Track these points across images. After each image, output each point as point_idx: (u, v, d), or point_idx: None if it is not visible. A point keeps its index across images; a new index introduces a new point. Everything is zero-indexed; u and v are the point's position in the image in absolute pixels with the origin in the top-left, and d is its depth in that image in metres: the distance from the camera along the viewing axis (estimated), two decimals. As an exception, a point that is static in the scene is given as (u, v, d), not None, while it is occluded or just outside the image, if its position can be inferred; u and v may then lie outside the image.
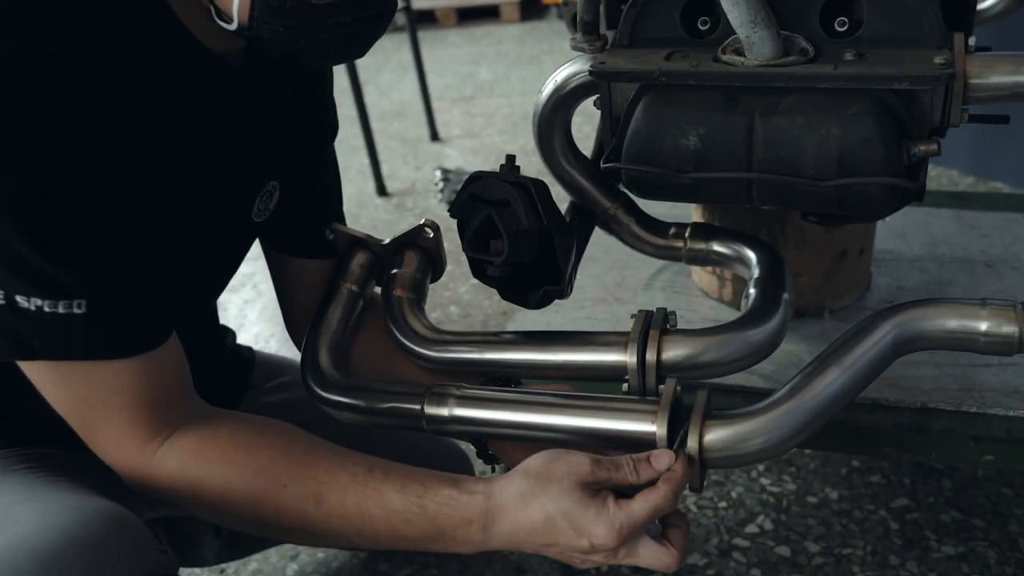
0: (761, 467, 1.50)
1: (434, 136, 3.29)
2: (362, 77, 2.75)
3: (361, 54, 0.84)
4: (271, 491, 0.83)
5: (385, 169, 2.92)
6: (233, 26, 0.77)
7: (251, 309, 2.30)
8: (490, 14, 4.95)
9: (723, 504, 1.44)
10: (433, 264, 1.05)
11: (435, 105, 3.39)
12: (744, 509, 1.42)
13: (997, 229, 1.47)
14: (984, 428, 1.04)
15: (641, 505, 0.76)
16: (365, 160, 2.85)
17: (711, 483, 1.48)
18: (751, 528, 1.39)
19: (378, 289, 1.07)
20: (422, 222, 1.02)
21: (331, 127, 1.09)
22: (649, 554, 0.78)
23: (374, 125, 2.90)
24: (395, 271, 1.02)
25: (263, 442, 0.85)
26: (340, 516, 0.82)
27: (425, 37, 4.56)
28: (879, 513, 1.39)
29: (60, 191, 0.72)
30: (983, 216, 1.52)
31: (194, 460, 0.83)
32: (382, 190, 2.85)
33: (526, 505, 0.78)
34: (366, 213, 2.74)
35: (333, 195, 1.11)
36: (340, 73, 3.39)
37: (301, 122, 1.01)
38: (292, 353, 1.92)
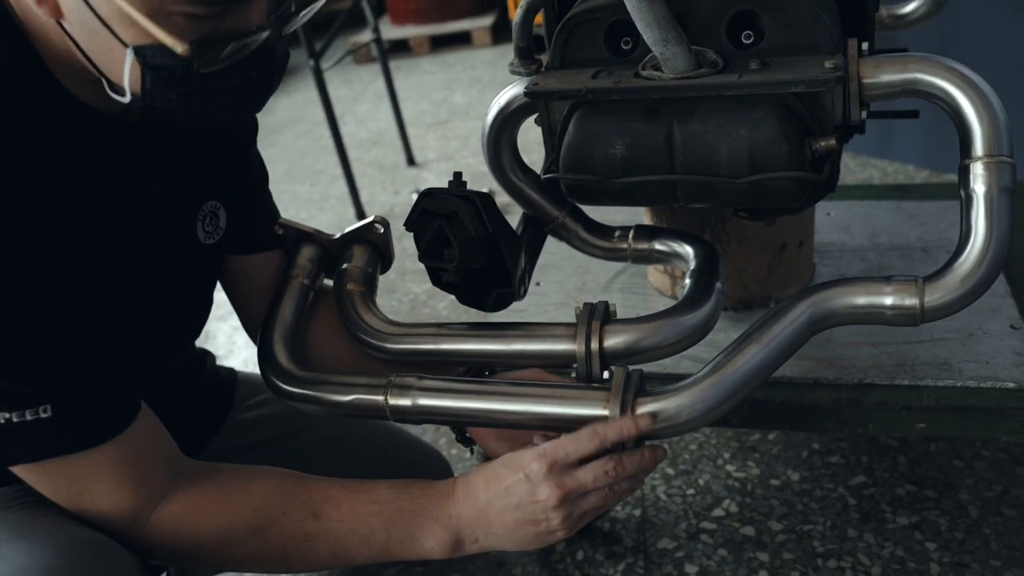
0: (727, 455, 1.58)
1: (411, 161, 3.39)
2: (339, 109, 2.85)
3: (258, 110, 0.87)
4: (272, 520, 0.90)
5: (364, 195, 3.01)
6: (127, 99, 0.78)
7: (240, 335, 2.37)
8: (463, 40, 5.06)
9: (691, 491, 1.52)
10: (382, 257, 1.10)
11: (411, 131, 3.48)
12: (711, 494, 1.50)
13: (934, 217, 1.56)
14: (915, 399, 1.12)
15: (567, 439, 0.86)
16: (344, 188, 2.94)
17: (679, 472, 1.56)
18: (717, 512, 1.46)
19: (329, 282, 1.11)
20: (372, 217, 1.07)
21: (250, 130, 1.10)
22: (587, 471, 0.86)
23: (352, 154, 2.99)
24: (345, 265, 1.06)
25: (254, 484, 0.92)
26: (338, 522, 0.90)
27: (400, 66, 4.67)
28: (838, 491, 1.47)
29: (7, 309, 0.75)
30: (921, 205, 1.61)
31: (190, 519, 0.89)
32: (362, 215, 2.94)
33: (488, 485, 0.89)
34: (348, 239, 2.83)
35: (263, 190, 1.13)
36: (316, 107, 3.49)
37: (218, 139, 1.02)
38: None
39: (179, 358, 1.09)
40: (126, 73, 0.76)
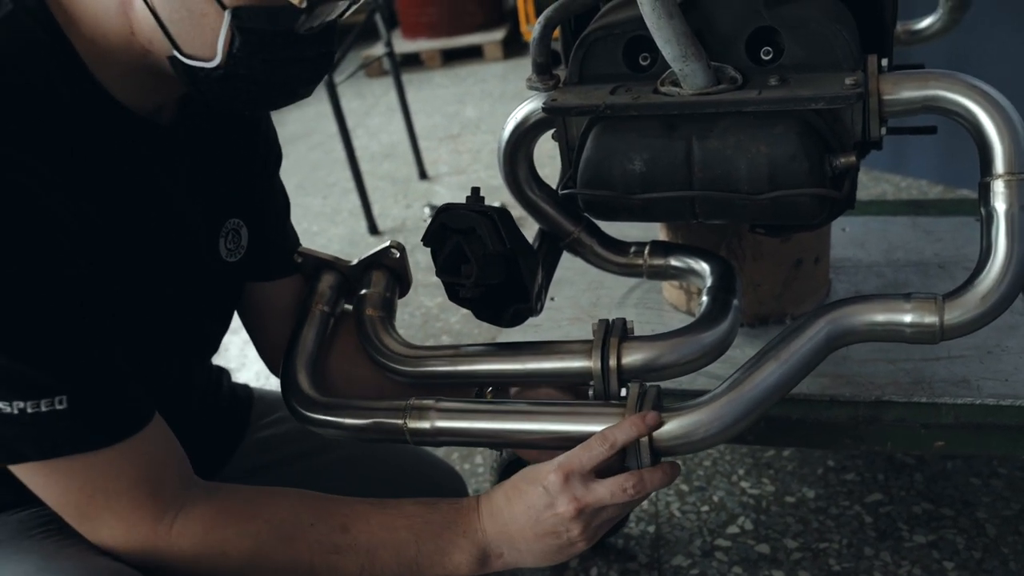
0: (741, 471, 1.58)
1: (423, 175, 3.40)
2: (351, 122, 2.86)
3: (313, 89, 0.89)
4: (300, 532, 0.88)
5: (376, 208, 3.02)
6: (214, 63, 0.79)
7: (251, 349, 2.37)
8: (474, 54, 5.08)
9: (705, 508, 1.51)
10: (400, 282, 1.11)
11: (423, 144, 3.49)
12: (725, 511, 1.49)
13: (950, 233, 1.56)
14: (934, 416, 1.11)
15: (580, 449, 0.86)
16: (356, 201, 2.95)
17: (693, 488, 1.56)
18: (732, 529, 1.46)
19: (349, 307, 1.12)
20: (388, 243, 1.08)
21: (275, 155, 1.11)
22: (605, 487, 0.85)
23: (364, 167, 3.00)
24: (364, 291, 1.07)
25: (279, 498, 0.91)
26: (368, 534, 0.89)
27: (412, 79, 4.69)
28: (854, 508, 1.46)
29: (27, 294, 0.74)
30: (937, 221, 1.60)
31: (218, 524, 0.87)
32: (373, 229, 2.95)
33: (509, 501, 0.89)
34: (358, 252, 2.80)
35: (285, 218, 1.14)
36: (328, 120, 3.49)
37: (246, 156, 1.03)
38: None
39: (198, 373, 1.09)
40: (222, 36, 0.77)
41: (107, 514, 0.83)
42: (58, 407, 0.76)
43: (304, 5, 0.76)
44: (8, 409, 0.75)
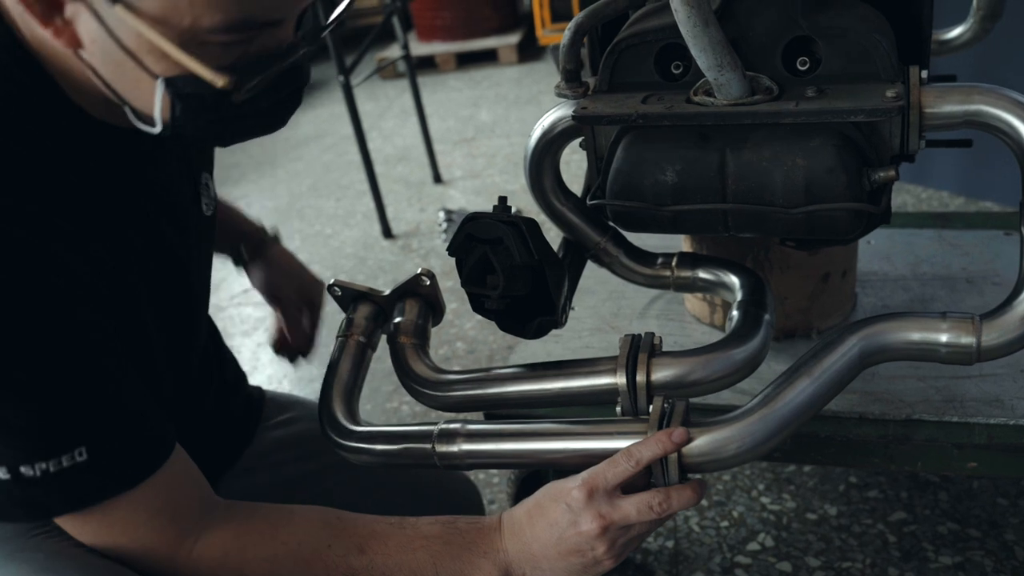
0: (761, 486, 1.55)
1: (437, 178, 3.38)
2: (365, 124, 2.84)
3: (282, 126, 0.85)
4: (317, 553, 0.87)
5: (390, 212, 3.00)
6: (156, 129, 0.77)
7: (264, 352, 2.36)
8: (489, 57, 5.07)
9: (725, 523, 1.48)
10: (433, 309, 1.10)
11: (437, 148, 3.48)
12: (745, 527, 1.47)
13: (978, 247, 1.53)
14: (967, 436, 1.08)
15: (605, 465, 0.84)
16: (371, 204, 2.93)
17: (712, 503, 1.53)
18: (752, 545, 1.43)
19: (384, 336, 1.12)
20: (419, 271, 1.08)
21: None
22: (631, 503, 0.83)
23: (378, 169, 2.99)
24: (398, 319, 1.07)
25: (297, 518, 0.90)
26: (384, 556, 0.87)
27: (426, 82, 4.67)
28: (877, 527, 1.43)
29: (39, 350, 0.72)
30: (964, 235, 1.57)
31: (235, 551, 0.86)
32: (388, 232, 2.93)
33: (532, 520, 0.86)
34: (373, 255, 2.81)
35: None
36: (341, 121, 3.49)
37: None
38: (303, 393, 1.98)
39: (195, 343, 1.05)
40: (157, 104, 0.74)
41: (128, 542, 0.83)
42: (79, 459, 0.76)
43: (229, 86, 0.72)
44: (31, 472, 0.75)
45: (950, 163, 2.52)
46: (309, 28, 0.78)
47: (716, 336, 1.34)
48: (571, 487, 0.84)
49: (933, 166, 2.58)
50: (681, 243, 1.35)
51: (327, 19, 0.85)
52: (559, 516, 0.84)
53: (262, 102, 0.77)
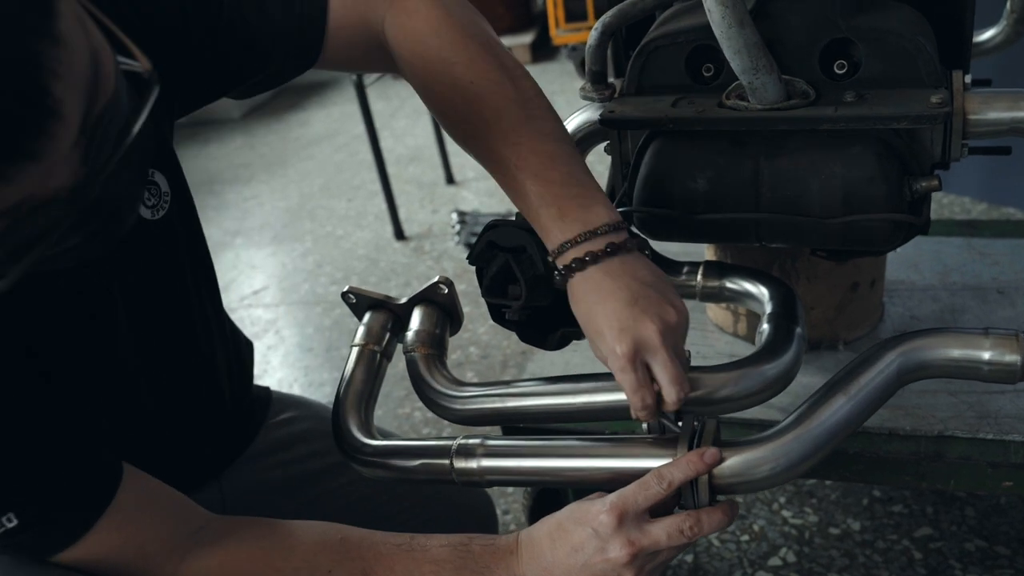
0: (782, 499, 1.51)
1: (449, 179, 3.34)
2: (377, 123, 2.81)
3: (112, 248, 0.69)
4: None
5: (402, 213, 2.97)
6: None
7: (274, 355, 2.33)
8: (501, 57, 5.03)
9: (745, 537, 1.45)
10: (450, 318, 1.07)
11: (450, 148, 3.44)
12: (767, 542, 1.43)
13: (1008, 256, 1.49)
14: (1002, 454, 1.05)
15: (634, 487, 0.80)
16: (383, 205, 2.90)
17: (734, 517, 1.49)
18: (774, 561, 1.39)
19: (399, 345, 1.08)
20: (436, 279, 1.04)
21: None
22: (662, 528, 0.79)
23: (390, 170, 2.96)
24: (415, 328, 1.04)
25: (295, 540, 0.85)
26: None
27: (438, 82, 4.64)
28: (902, 543, 1.40)
29: None
30: (993, 243, 1.53)
31: (224, 573, 0.82)
32: (400, 234, 2.90)
33: (554, 543, 0.82)
34: (385, 257, 2.78)
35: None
36: (356, 120, 3.44)
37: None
38: (314, 397, 1.95)
39: (190, 341, 0.99)
40: None
41: (99, 571, 0.79)
42: (8, 525, 0.72)
43: None
44: None
45: (972, 168, 2.48)
46: (98, 160, 0.57)
47: (739, 345, 1.30)
48: (599, 510, 0.80)
49: (954, 171, 2.53)
50: (703, 251, 1.32)
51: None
52: (585, 541, 0.80)
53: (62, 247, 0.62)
